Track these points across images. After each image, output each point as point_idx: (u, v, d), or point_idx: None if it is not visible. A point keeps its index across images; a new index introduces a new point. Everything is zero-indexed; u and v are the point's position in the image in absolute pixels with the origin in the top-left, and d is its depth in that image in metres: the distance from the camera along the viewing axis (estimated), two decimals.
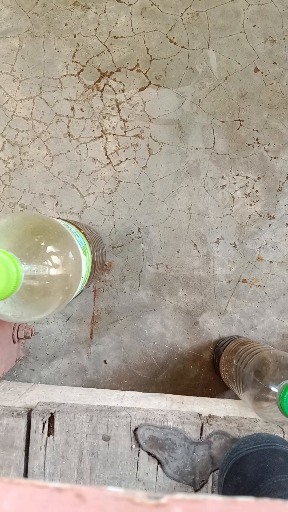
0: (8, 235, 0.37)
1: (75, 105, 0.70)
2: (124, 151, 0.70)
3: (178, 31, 0.68)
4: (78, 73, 0.69)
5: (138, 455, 0.51)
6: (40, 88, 0.70)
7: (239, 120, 0.69)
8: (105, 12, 0.69)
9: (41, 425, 0.52)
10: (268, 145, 0.69)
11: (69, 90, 0.70)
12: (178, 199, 0.70)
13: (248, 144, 0.69)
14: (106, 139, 0.70)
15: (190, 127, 0.69)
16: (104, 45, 0.69)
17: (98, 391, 0.63)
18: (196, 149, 0.69)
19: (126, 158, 0.70)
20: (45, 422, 0.52)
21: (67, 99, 0.70)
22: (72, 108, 0.70)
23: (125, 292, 0.70)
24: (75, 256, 0.42)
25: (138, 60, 0.69)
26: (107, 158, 0.70)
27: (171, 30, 0.68)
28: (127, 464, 0.51)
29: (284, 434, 0.51)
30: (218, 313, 0.70)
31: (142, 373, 0.70)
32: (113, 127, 0.70)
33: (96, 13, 0.69)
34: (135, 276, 0.70)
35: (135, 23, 0.69)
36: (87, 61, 0.69)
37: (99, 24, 0.69)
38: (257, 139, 0.69)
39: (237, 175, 0.70)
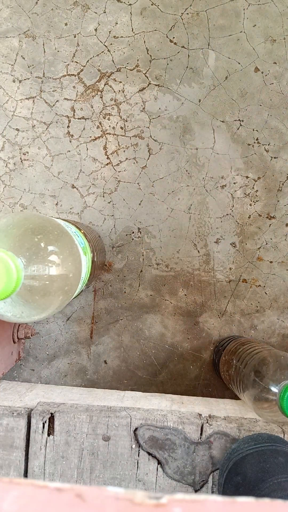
0: (8, 235, 0.37)
1: (75, 105, 0.70)
2: (124, 151, 0.70)
3: (178, 31, 0.68)
4: (78, 73, 0.69)
5: (138, 455, 0.51)
6: (40, 88, 0.70)
7: (239, 120, 0.69)
8: (105, 12, 0.69)
9: (41, 425, 0.52)
10: (268, 145, 0.69)
11: (69, 90, 0.70)
12: (178, 199, 0.70)
13: (248, 144, 0.69)
14: (106, 139, 0.70)
15: (190, 127, 0.69)
16: (104, 45, 0.69)
17: (98, 391, 0.63)
18: (196, 149, 0.69)
19: (126, 158, 0.70)
20: (45, 422, 0.52)
21: (67, 99, 0.70)
22: (72, 108, 0.70)
23: (125, 292, 0.70)
24: (75, 256, 0.42)
25: (138, 60, 0.69)
26: (107, 158, 0.70)
27: (171, 30, 0.68)
28: (127, 464, 0.51)
29: (284, 434, 0.51)
30: (218, 313, 0.70)
31: (142, 373, 0.70)
32: (113, 127, 0.70)
33: (96, 13, 0.69)
34: (135, 276, 0.70)
35: (135, 23, 0.69)
36: (87, 61, 0.69)
37: (99, 24, 0.69)
38: (257, 139, 0.69)
39: (237, 175, 0.70)
